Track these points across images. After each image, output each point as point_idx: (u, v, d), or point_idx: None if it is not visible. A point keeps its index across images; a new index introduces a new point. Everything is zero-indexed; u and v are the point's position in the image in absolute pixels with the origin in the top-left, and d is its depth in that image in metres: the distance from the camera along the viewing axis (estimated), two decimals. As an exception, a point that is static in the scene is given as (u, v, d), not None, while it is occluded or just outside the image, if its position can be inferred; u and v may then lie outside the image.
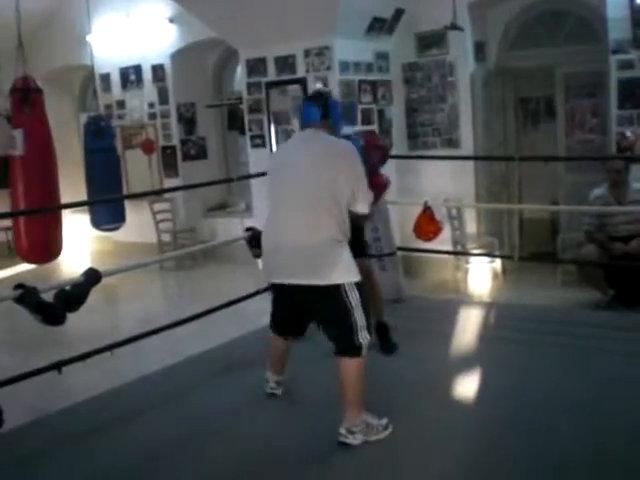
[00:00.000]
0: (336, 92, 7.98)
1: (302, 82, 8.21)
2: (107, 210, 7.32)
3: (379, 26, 8.28)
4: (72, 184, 10.56)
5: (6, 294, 4.47)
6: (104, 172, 7.33)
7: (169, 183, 10.78)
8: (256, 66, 8.54)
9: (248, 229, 6.20)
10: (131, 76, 11.14)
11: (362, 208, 4.26)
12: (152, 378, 5.66)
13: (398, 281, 7.13)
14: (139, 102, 11.19)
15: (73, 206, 5.92)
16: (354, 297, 4.13)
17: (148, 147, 11.02)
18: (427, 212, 6.70)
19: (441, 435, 4.32)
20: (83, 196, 7.80)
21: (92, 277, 4.76)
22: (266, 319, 6.40)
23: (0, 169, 9.79)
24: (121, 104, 11.35)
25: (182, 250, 9.42)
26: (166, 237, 10.77)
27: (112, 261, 9.78)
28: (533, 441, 4.07)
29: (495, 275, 8.33)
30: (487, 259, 8.24)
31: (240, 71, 9.26)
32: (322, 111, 4.35)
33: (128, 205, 7.49)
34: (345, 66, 8.11)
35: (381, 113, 8.64)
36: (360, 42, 8.24)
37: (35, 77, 6.62)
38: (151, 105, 11.08)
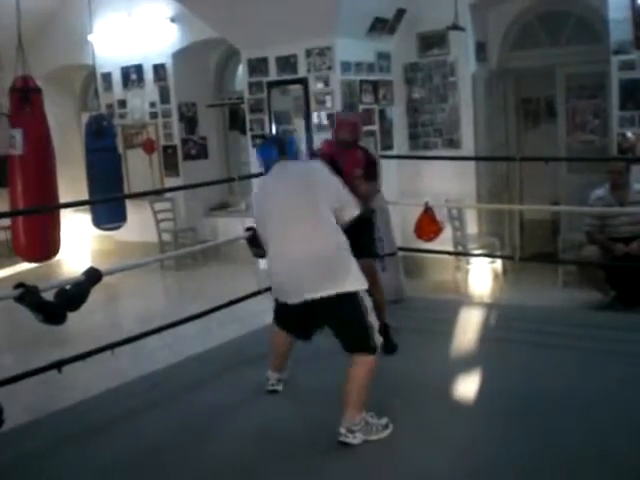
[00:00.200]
0: (338, 92, 8.00)
1: (303, 82, 8.21)
2: (108, 209, 7.32)
3: (381, 26, 8.28)
4: (73, 183, 10.59)
5: (7, 293, 4.47)
6: (105, 171, 7.33)
7: (170, 183, 10.77)
8: (257, 66, 8.54)
9: (249, 229, 6.18)
10: (132, 75, 11.13)
11: (351, 213, 4.52)
12: (153, 377, 5.67)
13: (399, 281, 7.13)
14: (140, 101, 11.18)
15: (72, 205, 5.93)
16: (368, 302, 4.33)
17: (149, 146, 11.02)
18: (428, 212, 6.71)
19: (442, 436, 4.32)
20: (84, 195, 7.80)
21: (93, 276, 4.76)
22: (267, 319, 6.40)
23: (1, 168, 9.80)
24: (122, 103, 11.34)
25: (183, 250, 9.42)
26: (167, 236, 10.77)
27: (113, 260, 9.79)
28: (535, 442, 4.07)
29: (496, 276, 8.32)
30: (488, 260, 8.23)
31: (241, 71, 9.26)
32: (280, 150, 4.68)
33: (129, 204, 7.49)
34: (346, 66, 8.10)
35: (382, 113, 8.63)
36: (362, 42, 8.24)
37: (36, 76, 6.63)
38: (152, 104, 11.08)
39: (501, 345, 5.81)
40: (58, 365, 4.90)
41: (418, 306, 6.89)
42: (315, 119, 8.19)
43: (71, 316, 4.61)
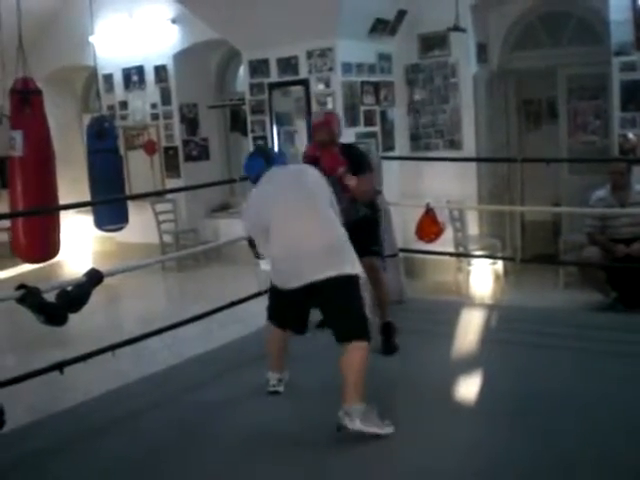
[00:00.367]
0: (339, 93, 8.00)
1: (305, 83, 8.21)
2: (110, 211, 7.33)
3: (382, 27, 8.28)
4: (74, 184, 10.60)
5: (8, 294, 4.48)
6: (107, 173, 7.33)
7: (171, 184, 10.79)
8: (259, 67, 8.54)
9: (250, 230, 6.19)
10: (134, 77, 11.14)
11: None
12: (153, 378, 5.67)
13: (400, 282, 7.13)
14: (141, 103, 11.19)
15: (73, 207, 5.95)
16: (364, 288, 4.63)
17: (150, 148, 11.03)
18: (429, 214, 6.71)
19: (442, 436, 4.32)
20: (85, 196, 7.80)
21: (94, 277, 4.77)
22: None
23: (1, 169, 9.80)
24: (123, 105, 11.35)
25: (184, 251, 9.42)
26: (168, 238, 10.77)
27: (114, 262, 9.80)
28: (536, 442, 4.07)
29: (497, 277, 8.32)
30: (489, 261, 8.23)
31: (243, 72, 9.26)
32: (266, 161, 4.89)
33: (130, 206, 7.49)
34: (347, 67, 8.10)
35: (383, 114, 8.63)
36: (363, 43, 8.24)
37: (38, 77, 6.63)
38: (153, 106, 11.09)
39: (502, 346, 5.81)
40: (59, 366, 4.91)
41: (419, 307, 6.89)
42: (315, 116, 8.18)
43: (72, 317, 4.62)
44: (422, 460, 4.06)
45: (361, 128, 8.21)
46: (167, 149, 11.08)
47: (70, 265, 10.84)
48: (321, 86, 8.13)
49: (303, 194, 4.66)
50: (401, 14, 8.37)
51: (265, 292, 6.35)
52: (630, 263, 6.85)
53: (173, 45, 10.66)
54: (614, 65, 7.44)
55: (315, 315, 5.40)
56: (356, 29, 8.03)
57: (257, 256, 6.22)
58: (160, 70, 10.87)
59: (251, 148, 8.91)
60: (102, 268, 4.94)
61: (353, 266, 4.51)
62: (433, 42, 8.47)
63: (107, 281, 4.89)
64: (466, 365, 5.53)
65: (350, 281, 4.48)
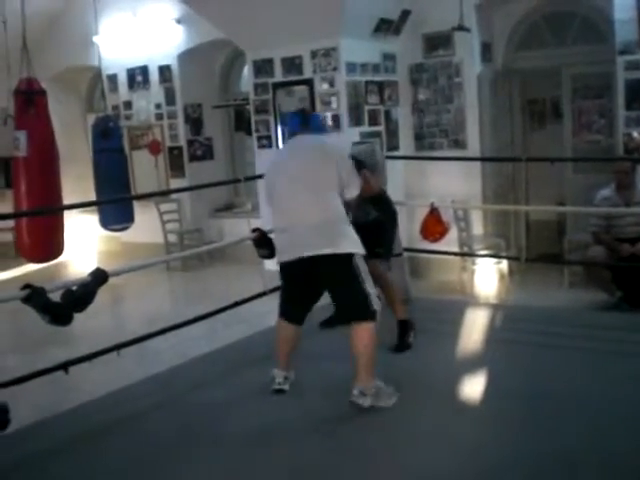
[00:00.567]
0: (343, 93, 8.00)
1: (309, 83, 8.21)
2: (116, 210, 7.34)
3: (386, 27, 8.28)
4: (79, 184, 10.63)
5: (14, 294, 4.48)
6: (112, 172, 7.35)
7: (175, 184, 10.80)
8: (263, 67, 8.54)
9: (255, 230, 6.21)
10: (138, 77, 11.16)
11: (350, 192, 4.76)
12: (158, 378, 5.68)
13: (405, 282, 7.13)
14: (146, 103, 11.21)
15: (78, 207, 5.96)
16: (363, 267, 4.62)
17: (155, 148, 11.04)
18: (434, 213, 6.71)
19: (447, 436, 4.32)
20: (90, 196, 7.82)
21: (99, 277, 4.77)
22: (273, 320, 6.42)
23: (4, 170, 9.79)
24: (128, 105, 11.37)
25: (189, 251, 9.42)
26: (173, 237, 10.79)
27: (119, 261, 9.80)
28: (540, 442, 4.07)
29: (502, 276, 8.31)
30: (494, 260, 8.22)
31: (247, 72, 9.26)
32: (302, 120, 5.00)
33: (135, 206, 7.50)
34: (352, 67, 8.10)
35: (388, 114, 8.63)
36: (367, 43, 8.23)
37: (42, 78, 6.64)
38: (158, 106, 11.10)
39: (507, 346, 5.81)
40: (64, 366, 4.91)
41: (424, 307, 6.88)
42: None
43: (77, 317, 4.63)
44: (426, 459, 4.06)
45: (365, 128, 8.20)
46: (171, 149, 11.09)
47: (75, 265, 10.86)
48: (325, 86, 8.12)
49: (313, 169, 4.71)
50: (405, 14, 8.36)
51: (270, 292, 6.39)
52: (635, 262, 6.84)
53: (177, 45, 10.68)
54: (619, 64, 7.43)
55: (318, 316, 5.43)
56: (360, 29, 8.03)
57: (262, 256, 6.26)
58: (164, 70, 10.89)
59: (255, 148, 8.93)
60: (107, 268, 4.94)
61: (350, 244, 4.61)
62: (437, 42, 8.46)
63: (112, 281, 4.89)
64: (471, 364, 5.53)
65: (347, 260, 4.57)
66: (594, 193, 7.22)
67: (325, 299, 5.02)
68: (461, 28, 7.68)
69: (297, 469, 4.05)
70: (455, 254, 7.98)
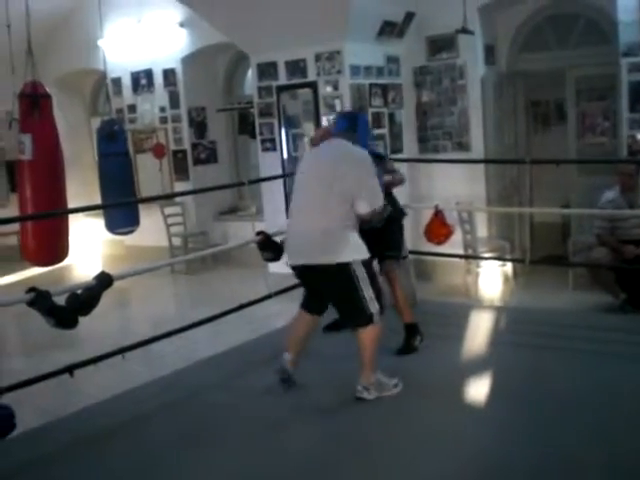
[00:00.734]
0: (347, 96, 8.01)
1: (313, 86, 8.22)
2: (121, 214, 7.35)
3: (390, 30, 8.28)
4: (84, 187, 10.66)
5: (19, 297, 4.49)
6: (118, 176, 7.36)
7: (180, 187, 10.81)
8: (267, 70, 8.55)
9: (259, 233, 6.22)
10: (142, 80, 11.18)
11: (362, 207, 4.72)
12: (163, 381, 5.68)
13: (410, 285, 7.13)
14: (150, 106, 11.22)
15: (83, 210, 5.97)
16: (361, 273, 4.69)
17: (159, 151, 11.05)
18: (438, 215, 6.71)
19: (451, 436, 4.33)
20: (94, 199, 7.84)
21: (104, 281, 4.78)
22: (277, 323, 6.44)
23: (9, 173, 9.78)
24: (132, 108, 11.38)
25: (193, 254, 9.43)
26: (177, 241, 10.79)
27: (123, 265, 9.82)
28: (544, 443, 4.07)
29: (506, 279, 8.31)
30: (498, 263, 8.22)
31: (251, 75, 9.27)
32: (349, 123, 5.07)
33: (139, 209, 7.51)
34: (356, 70, 8.11)
35: (392, 117, 8.64)
36: (371, 46, 8.24)
37: (46, 81, 6.66)
38: (162, 109, 11.11)
39: (511, 348, 5.81)
40: (70, 369, 4.92)
41: (428, 309, 6.87)
42: (324, 123, 8.19)
43: (82, 320, 4.64)
44: (430, 461, 4.07)
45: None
46: (176, 152, 11.10)
47: (80, 268, 10.88)
48: (329, 89, 8.14)
49: (327, 177, 4.73)
50: (409, 16, 8.37)
51: (275, 294, 6.40)
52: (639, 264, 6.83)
53: (181, 49, 10.69)
54: (622, 66, 7.42)
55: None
56: (364, 32, 8.04)
57: (266, 259, 6.27)
58: (169, 73, 10.90)
59: (259, 151, 8.94)
60: (112, 271, 4.96)
61: (347, 252, 4.68)
62: (441, 44, 8.47)
63: (117, 284, 4.90)
64: (475, 366, 5.53)
65: (342, 268, 4.66)
66: (598, 195, 7.21)
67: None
68: (465, 31, 7.68)
69: (301, 470, 4.06)
70: (459, 256, 7.98)
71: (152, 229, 10.12)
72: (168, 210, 10.78)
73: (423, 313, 6.40)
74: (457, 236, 7.47)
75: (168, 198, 10.65)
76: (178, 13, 10.38)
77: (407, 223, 7.24)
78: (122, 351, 5.31)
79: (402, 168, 8.21)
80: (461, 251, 8.10)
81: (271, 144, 8.74)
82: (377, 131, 8.32)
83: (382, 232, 5.56)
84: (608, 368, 5.16)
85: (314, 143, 5.35)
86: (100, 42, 10.11)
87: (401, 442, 4.29)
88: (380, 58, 8.47)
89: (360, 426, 4.58)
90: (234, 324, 6.67)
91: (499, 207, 8.66)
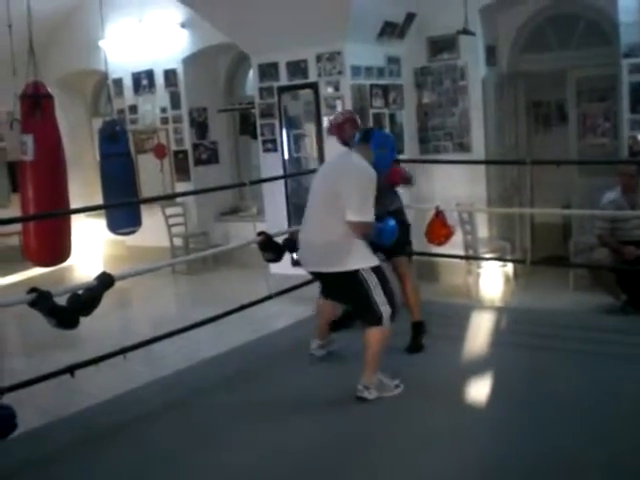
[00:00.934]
0: (348, 97, 8.01)
1: (314, 87, 8.23)
2: (123, 214, 7.36)
3: (390, 31, 8.29)
4: (85, 188, 10.67)
5: (20, 298, 4.49)
6: (120, 176, 7.37)
7: (181, 187, 10.82)
8: (268, 71, 8.56)
9: (260, 233, 6.22)
10: (143, 81, 11.18)
11: (350, 215, 4.72)
12: (164, 381, 5.69)
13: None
14: (151, 107, 11.23)
15: (84, 210, 5.98)
16: (372, 279, 4.79)
17: (160, 152, 11.06)
18: (439, 216, 6.71)
19: (451, 436, 4.33)
20: (95, 200, 7.84)
21: (105, 281, 4.78)
22: (278, 323, 6.45)
23: (11, 174, 9.77)
24: (133, 109, 11.39)
25: (194, 254, 9.43)
26: (178, 241, 10.80)
27: (125, 265, 9.82)
28: (544, 445, 4.07)
29: (507, 279, 8.31)
30: (499, 263, 8.22)
31: (252, 76, 9.28)
32: (362, 136, 5.07)
33: (140, 209, 7.52)
34: (357, 71, 8.11)
35: (392, 117, 8.64)
36: (372, 47, 8.25)
37: (47, 82, 6.66)
38: (163, 110, 11.12)
39: (512, 349, 5.81)
40: (71, 369, 4.92)
41: (429, 310, 6.85)
42: (326, 123, 8.20)
43: (83, 321, 4.64)
44: (429, 459, 4.08)
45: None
46: (177, 153, 11.11)
47: (81, 269, 10.88)
48: (330, 89, 8.14)
49: (330, 189, 4.86)
50: (410, 17, 8.38)
51: (276, 295, 6.41)
52: (640, 265, 6.84)
53: (182, 49, 10.70)
54: (623, 67, 7.43)
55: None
56: (365, 32, 8.04)
57: (267, 260, 6.28)
58: (170, 74, 10.90)
59: (260, 152, 8.95)
60: (113, 271, 4.96)
61: (354, 261, 4.79)
62: (442, 45, 8.48)
63: (118, 284, 4.91)
64: (476, 367, 5.53)
65: (351, 276, 4.79)
66: (599, 196, 7.21)
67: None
68: (466, 31, 7.68)
69: (301, 470, 4.07)
70: (460, 257, 7.99)
71: (153, 229, 10.13)
72: (169, 210, 10.79)
73: (424, 313, 6.39)
74: (458, 237, 7.47)
75: (169, 198, 10.66)
76: (179, 13, 10.38)
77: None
78: (123, 351, 5.31)
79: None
80: (462, 252, 8.11)
81: (272, 145, 8.75)
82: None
83: (397, 224, 5.63)
84: (608, 369, 5.16)
85: (331, 132, 5.66)
86: (101, 42, 10.12)
87: (401, 442, 4.30)
88: (381, 59, 8.47)
89: (361, 426, 4.58)
90: (235, 324, 6.68)
91: (500, 208, 8.67)
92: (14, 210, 9.43)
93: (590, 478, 3.78)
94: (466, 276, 8.35)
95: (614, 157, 8.03)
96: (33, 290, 4.42)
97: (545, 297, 7.78)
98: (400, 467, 4.02)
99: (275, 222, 8.31)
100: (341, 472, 4.03)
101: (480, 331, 6.50)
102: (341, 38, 7.90)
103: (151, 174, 11.07)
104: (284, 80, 8.46)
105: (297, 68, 8.31)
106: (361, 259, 4.82)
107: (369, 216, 4.77)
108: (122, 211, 7.34)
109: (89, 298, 4.66)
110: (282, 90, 8.51)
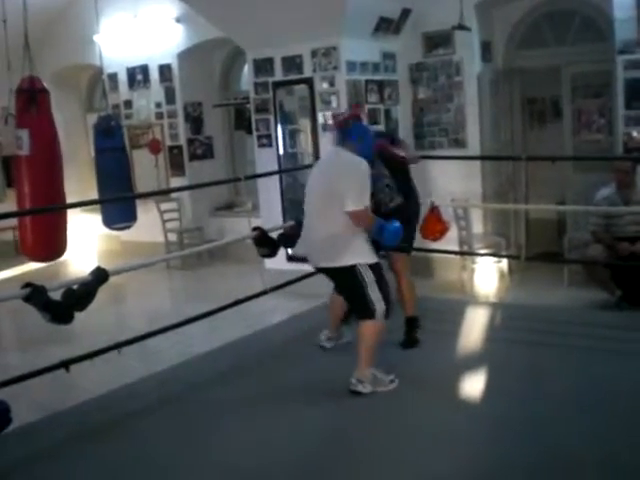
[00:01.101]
0: (343, 92, 8.01)
1: (309, 82, 8.22)
2: (119, 209, 7.35)
3: (386, 26, 8.28)
4: (79, 183, 10.65)
5: (14, 293, 4.49)
6: (115, 171, 7.35)
7: (176, 182, 10.80)
8: (263, 66, 8.55)
9: (255, 229, 6.22)
10: (138, 76, 11.16)
11: (347, 206, 4.80)
12: (159, 376, 5.69)
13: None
14: (146, 102, 11.20)
15: (80, 205, 5.94)
16: (368, 275, 4.87)
17: (155, 147, 11.04)
18: (434, 212, 6.71)
19: (447, 433, 4.33)
20: (90, 195, 7.81)
21: (99, 276, 4.78)
22: (273, 318, 6.45)
23: (7, 168, 9.74)
24: (128, 104, 11.37)
25: (189, 249, 9.43)
26: (173, 236, 10.79)
27: (119, 260, 9.81)
28: (540, 442, 4.08)
29: (502, 275, 8.32)
30: (494, 259, 8.23)
31: (247, 71, 9.27)
32: (341, 134, 5.12)
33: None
34: (352, 66, 8.11)
35: (388, 113, 8.64)
36: (367, 42, 8.24)
37: (42, 76, 6.64)
38: (158, 105, 11.10)
39: (506, 345, 5.82)
40: (65, 364, 4.92)
41: (424, 306, 6.86)
42: (320, 119, 8.20)
43: (78, 315, 4.64)
44: (424, 457, 4.08)
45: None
46: (172, 148, 11.09)
47: (75, 264, 10.87)
48: (325, 85, 8.14)
49: (327, 186, 4.95)
50: (405, 13, 8.37)
51: (270, 290, 6.41)
52: (635, 261, 6.84)
53: (177, 44, 10.68)
54: (618, 63, 7.42)
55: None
56: (360, 28, 8.04)
57: (262, 255, 6.28)
58: (164, 69, 10.89)
59: (255, 147, 8.94)
60: (107, 267, 4.96)
61: (352, 256, 4.88)
62: (437, 41, 8.47)
63: (112, 279, 4.90)
64: (471, 363, 5.54)
65: (349, 270, 4.87)
66: (594, 192, 7.22)
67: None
68: (461, 27, 7.68)
69: (296, 466, 4.07)
70: (455, 253, 8.00)
71: (148, 225, 10.10)
72: (164, 206, 10.77)
73: (418, 309, 6.40)
74: (453, 232, 7.48)
75: (164, 194, 10.65)
76: (174, 8, 10.36)
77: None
78: (118, 346, 5.31)
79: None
80: (457, 247, 8.12)
81: (267, 140, 8.74)
82: (373, 128, 8.32)
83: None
84: (604, 365, 5.17)
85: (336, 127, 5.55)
86: (96, 37, 10.08)
87: (395, 437, 4.30)
88: (376, 54, 8.47)
89: (355, 421, 4.59)
90: (230, 320, 6.68)
91: (495, 204, 8.67)
92: (8, 205, 9.42)
93: (587, 475, 3.78)
94: (461, 272, 8.36)
95: (609, 153, 8.03)
96: (27, 285, 4.41)
97: (540, 293, 7.79)
98: (394, 463, 4.02)
99: (270, 217, 8.31)
100: (334, 467, 4.03)
101: (474, 327, 6.51)
102: (336, 33, 7.89)
103: (146, 169, 11.06)
104: (279, 75, 8.45)
105: (292, 63, 8.31)
106: (359, 255, 4.90)
107: (365, 202, 4.85)
108: (117, 206, 7.32)
109: (84, 293, 4.65)
110: (277, 85, 8.50)
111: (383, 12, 8.14)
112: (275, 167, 8.51)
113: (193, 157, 11.06)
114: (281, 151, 8.61)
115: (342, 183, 4.83)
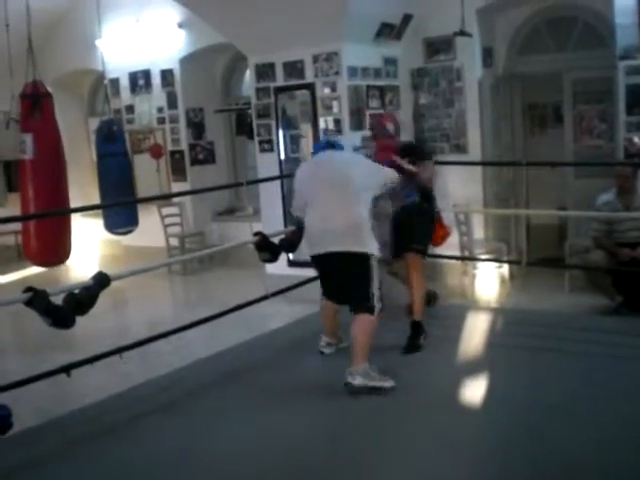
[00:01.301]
0: (344, 97, 8.02)
1: (310, 87, 8.23)
2: (120, 213, 7.36)
3: (387, 31, 8.30)
4: (81, 188, 10.65)
5: (16, 297, 4.49)
6: (117, 176, 7.37)
7: (177, 187, 10.81)
8: (265, 71, 8.56)
9: (256, 233, 6.23)
10: (140, 81, 11.18)
11: (389, 179, 5.50)
12: (160, 381, 5.69)
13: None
14: (148, 107, 11.22)
15: (83, 210, 5.97)
16: (376, 270, 5.08)
17: (156, 152, 11.06)
18: (435, 217, 6.71)
19: (445, 441, 4.32)
20: (92, 200, 7.83)
21: (101, 281, 4.79)
22: (274, 323, 6.46)
23: (6, 173, 9.74)
24: (130, 109, 11.39)
25: (190, 254, 9.43)
26: (174, 241, 10.79)
27: (121, 265, 9.82)
28: (541, 447, 4.08)
29: (503, 280, 8.32)
30: (495, 264, 8.24)
31: (249, 76, 9.28)
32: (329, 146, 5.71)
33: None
34: (353, 71, 8.12)
35: (389, 118, 8.64)
36: (368, 47, 8.25)
37: (44, 81, 6.66)
38: (160, 110, 11.12)
39: (507, 350, 5.82)
40: (66, 369, 4.93)
41: (425, 311, 6.90)
42: (322, 124, 8.21)
43: (79, 320, 4.64)
44: (424, 463, 4.08)
45: (366, 132, 8.21)
46: (173, 153, 11.11)
47: (77, 268, 10.87)
48: (327, 90, 8.15)
49: (342, 180, 5.21)
50: (407, 18, 8.39)
51: (272, 295, 6.42)
52: (636, 267, 6.83)
53: (179, 49, 10.70)
54: (619, 69, 7.44)
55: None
56: (362, 33, 8.05)
57: (263, 260, 6.29)
58: (166, 74, 10.91)
59: (257, 152, 8.95)
60: (109, 271, 4.96)
61: (371, 246, 5.10)
62: (439, 46, 8.49)
63: (114, 284, 4.91)
64: (472, 368, 5.54)
65: (361, 258, 5.05)
66: (595, 198, 7.22)
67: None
68: (462, 33, 7.70)
69: (296, 471, 4.07)
70: (456, 258, 8.00)
71: (149, 229, 10.11)
72: (165, 210, 10.78)
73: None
74: (454, 238, 7.49)
75: (166, 198, 10.67)
76: (176, 14, 10.39)
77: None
78: (119, 351, 5.32)
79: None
80: (458, 253, 8.12)
81: (269, 145, 8.75)
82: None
83: (412, 224, 5.79)
84: (605, 370, 5.17)
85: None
86: (98, 42, 10.11)
87: (397, 443, 4.30)
88: (378, 60, 8.48)
89: (355, 426, 4.59)
90: (231, 325, 6.68)
91: (496, 209, 8.68)
92: (10, 209, 9.44)
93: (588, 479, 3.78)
94: (462, 277, 8.35)
95: (610, 159, 8.04)
96: (29, 289, 4.42)
97: (541, 298, 7.78)
98: (394, 468, 4.02)
99: (271, 222, 8.31)
100: (335, 473, 4.04)
101: (476, 332, 6.51)
102: (338, 39, 7.91)
103: (147, 174, 11.06)
104: (281, 80, 8.46)
105: (294, 69, 8.32)
106: (375, 247, 5.13)
107: (393, 172, 5.57)
108: (119, 211, 7.34)
109: (85, 297, 4.66)
110: (279, 90, 8.52)
111: (384, 17, 8.15)
112: (276, 172, 8.51)
113: (195, 162, 11.07)
114: (282, 156, 8.62)
115: (360, 174, 5.28)
